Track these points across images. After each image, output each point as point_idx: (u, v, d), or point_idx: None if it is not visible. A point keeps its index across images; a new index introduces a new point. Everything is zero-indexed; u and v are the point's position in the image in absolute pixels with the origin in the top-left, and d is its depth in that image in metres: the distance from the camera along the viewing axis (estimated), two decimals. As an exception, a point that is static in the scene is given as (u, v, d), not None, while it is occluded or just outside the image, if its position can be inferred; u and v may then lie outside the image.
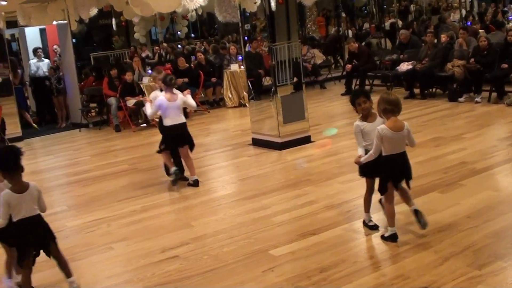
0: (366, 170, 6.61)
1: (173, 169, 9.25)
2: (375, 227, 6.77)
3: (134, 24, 24.01)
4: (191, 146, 9.38)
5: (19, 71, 17.18)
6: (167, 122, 9.12)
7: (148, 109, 9.39)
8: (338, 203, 7.82)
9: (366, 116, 6.60)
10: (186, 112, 15.18)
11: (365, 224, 6.88)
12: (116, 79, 15.79)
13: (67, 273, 5.89)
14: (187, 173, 9.55)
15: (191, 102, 9.54)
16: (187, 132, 9.31)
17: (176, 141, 9.25)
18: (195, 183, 9.30)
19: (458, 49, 14.94)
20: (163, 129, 9.27)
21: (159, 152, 9.43)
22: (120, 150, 12.97)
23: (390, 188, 6.35)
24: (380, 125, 6.23)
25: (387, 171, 6.34)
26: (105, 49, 24.41)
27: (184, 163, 9.49)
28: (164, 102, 9.01)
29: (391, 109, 6.21)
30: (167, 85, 9.10)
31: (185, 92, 9.63)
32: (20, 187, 5.61)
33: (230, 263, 6.29)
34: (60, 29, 16.97)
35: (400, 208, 6.65)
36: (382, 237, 6.46)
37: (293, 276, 5.80)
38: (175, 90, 9.19)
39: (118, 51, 23.76)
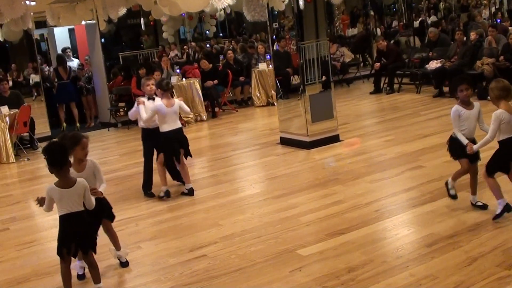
0: (463, 153, 6.83)
1: (164, 189, 9.03)
2: (484, 207, 6.97)
3: (162, 24, 24.08)
4: (187, 152, 9.15)
5: (68, 66, 17.24)
6: (165, 128, 8.85)
7: (143, 113, 8.92)
8: (366, 203, 7.79)
9: (466, 103, 6.87)
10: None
11: (473, 205, 7.08)
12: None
13: (96, 279, 5.88)
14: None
15: (186, 108, 9.38)
16: (185, 137, 9.14)
17: (175, 147, 9.00)
18: (190, 192, 9.11)
19: (488, 47, 14.82)
20: (161, 135, 8.93)
21: (165, 163, 9.11)
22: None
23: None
24: (496, 111, 6.47)
25: (509, 153, 6.55)
26: (133, 48, 24.57)
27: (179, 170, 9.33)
28: (162, 108, 8.77)
29: (505, 94, 6.49)
30: (164, 90, 8.86)
31: (179, 98, 9.50)
32: (65, 183, 5.59)
33: (258, 263, 6.29)
34: (89, 29, 17.08)
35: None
36: (495, 217, 6.60)
37: (321, 276, 5.79)
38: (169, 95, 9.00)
39: (146, 51, 23.89)
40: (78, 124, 16.70)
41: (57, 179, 5.61)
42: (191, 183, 9.21)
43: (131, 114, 9.31)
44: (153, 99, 8.96)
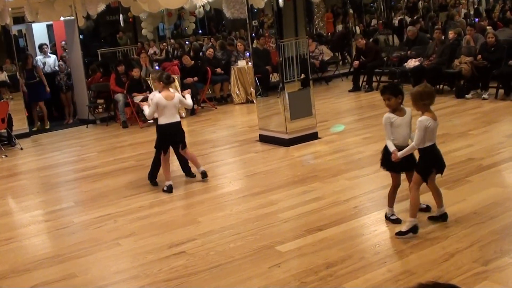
0: (393, 164, 6.65)
1: (168, 183, 9.09)
2: (397, 221, 6.78)
3: (141, 20, 24.01)
4: (183, 145, 9.25)
5: (35, 64, 17.06)
6: (162, 120, 8.97)
7: (146, 110, 9.14)
8: (344, 199, 7.83)
9: (397, 110, 6.70)
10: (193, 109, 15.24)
11: (387, 218, 6.91)
12: (124, 75, 15.81)
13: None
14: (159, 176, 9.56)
15: (189, 101, 9.46)
16: (182, 131, 9.21)
17: (171, 140, 9.12)
18: (204, 175, 9.37)
19: (466, 46, 14.93)
20: (158, 127, 9.14)
21: (159, 154, 9.23)
22: (127, 147, 12.99)
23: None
24: (421, 117, 6.34)
25: (432, 161, 6.49)
26: (112, 45, 24.45)
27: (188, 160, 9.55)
28: (161, 100, 8.87)
29: (432, 101, 6.41)
30: (164, 83, 9.01)
31: (185, 91, 9.61)
32: None
33: (237, 259, 6.31)
34: (68, 25, 16.97)
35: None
36: (399, 233, 6.41)
37: (300, 272, 5.81)
38: (171, 89, 9.16)
39: (125, 47, 23.79)
40: (48, 123, 16.60)
41: None
42: (201, 166, 9.46)
43: (145, 113, 9.38)
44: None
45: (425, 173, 6.49)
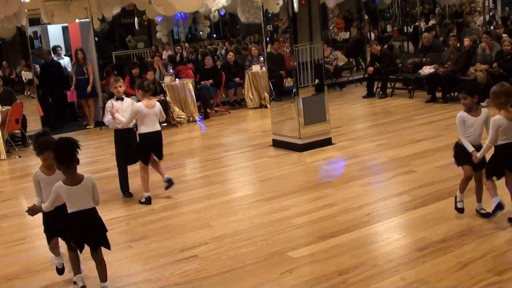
0: (465, 160, 6.80)
1: (146, 195, 8.88)
2: (487, 215, 6.85)
3: (156, 23, 24.06)
4: (160, 156, 9.04)
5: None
6: (142, 129, 8.75)
7: (122, 118, 8.82)
8: (357, 206, 7.79)
9: (471, 110, 6.77)
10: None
11: (478, 212, 7.02)
12: (138, 78, 15.81)
13: (103, 277, 5.82)
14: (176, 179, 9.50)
15: (163, 114, 9.23)
16: (161, 140, 9.01)
17: (150, 149, 8.90)
18: (169, 182, 8.96)
19: (481, 53, 14.87)
20: (139, 136, 8.86)
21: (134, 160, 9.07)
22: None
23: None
24: (495, 117, 6.45)
25: (504, 158, 6.56)
26: (127, 48, 24.52)
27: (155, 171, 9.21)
28: (142, 109, 8.66)
29: (506, 100, 6.46)
30: (145, 91, 8.76)
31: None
32: (74, 180, 5.54)
33: (248, 264, 6.29)
34: (83, 27, 17.03)
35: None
36: (489, 215, 6.67)
37: (312, 279, 5.79)
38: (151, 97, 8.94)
39: (140, 50, 23.85)
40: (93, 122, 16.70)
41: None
42: (166, 174, 9.05)
43: (109, 122, 9.11)
44: (122, 99, 8.97)
45: (494, 169, 6.59)
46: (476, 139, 6.77)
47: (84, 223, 5.63)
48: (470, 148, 6.67)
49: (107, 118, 9.03)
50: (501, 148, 6.51)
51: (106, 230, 5.86)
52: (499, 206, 6.51)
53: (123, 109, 8.91)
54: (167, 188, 8.99)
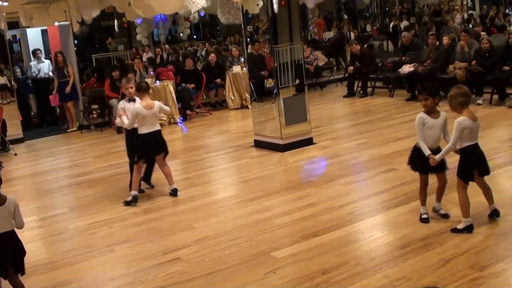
0: (421, 165, 6.79)
1: (133, 193, 8.89)
2: (445, 216, 6.93)
3: (136, 26, 23.98)
4: (166, 153, 9.09)
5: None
6: (143, 130, 8.76)
7: (125, 120, 8.85)
8: (339, 205, 7.82)
9: (431, 112, 6.75)
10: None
11: (434, 211, 7.06)
12: (118, 81, 15.76)
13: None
14: (157, 181, 9.48)
15: (166, 107, 9.40)
16: (163, 139, 9.04)
17: (153, 149, 8.92)
18: (174, 193, 9.04)
19: (460, 52, 14.95)
20: (139, 137, 8.83)
21: (136, 163, 8.95)
22: (122, 152, 12.82)
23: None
24: (458, 118, 6.42)
25: (472, 161, 6.52)
26: (106, 50, 24.41)
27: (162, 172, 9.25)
28: (142, 110, 8.65)
29: (467, 100, 6.45)
30: (143, 92, 8.76)
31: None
32: None
33: (232, 265, 6.29)
34: (62, 30, 16.93)
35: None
36: (455, 230, 6.53)
37: (295, 278, 5.80)
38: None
39: (119, 53, 23.76)
40: (76, 124, 16.56)
41: None
42: (174, 184, 9.13)
43: (125, 124, 9.06)
44: (134, 100, 8.92)
45: (465, 174, 6.53)
46: (435, 142, 6.75)
47: (4, 247, 5.48)
48: (427, 152, 6.64)
49: (118, 120, 9.13)
50: (468, 150, 6.47)
51: (24, 254, 5.69)
52: (469, 229, 6.45)
53: (131, 113, 8.88)
54: (170, 195, 9.07)
